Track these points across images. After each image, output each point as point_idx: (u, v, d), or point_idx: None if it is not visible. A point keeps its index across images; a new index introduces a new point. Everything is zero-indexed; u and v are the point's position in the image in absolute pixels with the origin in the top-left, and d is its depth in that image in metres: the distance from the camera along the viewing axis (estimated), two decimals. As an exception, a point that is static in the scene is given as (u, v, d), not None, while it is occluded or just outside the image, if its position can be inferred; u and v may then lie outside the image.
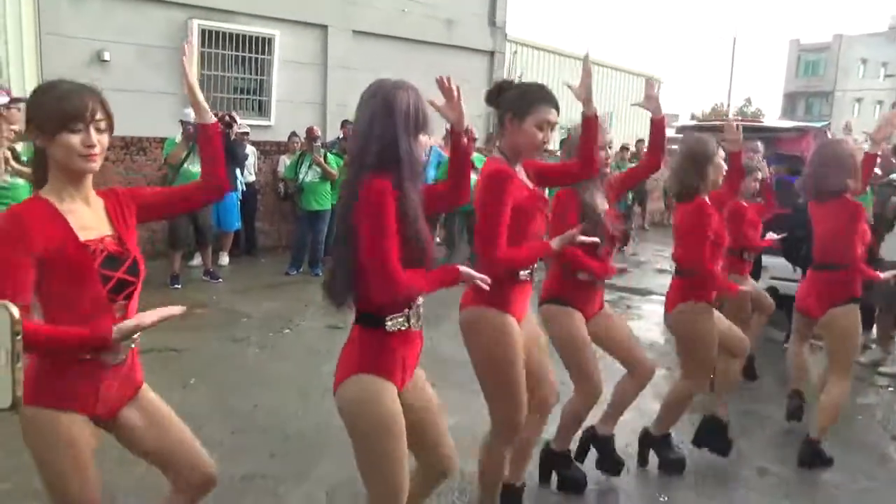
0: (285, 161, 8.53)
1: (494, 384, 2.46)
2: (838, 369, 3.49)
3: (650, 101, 2.98)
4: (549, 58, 15.58)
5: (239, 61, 9.26)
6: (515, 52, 13.98)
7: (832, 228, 3.42)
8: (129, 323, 1.67)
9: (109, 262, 1.75)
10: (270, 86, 9.55)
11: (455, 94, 2.02)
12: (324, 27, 10.27)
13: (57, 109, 1.67)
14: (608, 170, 3.13)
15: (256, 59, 9.39)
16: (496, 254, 2.29)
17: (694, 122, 9.28)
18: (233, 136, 7.63)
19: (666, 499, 3.17)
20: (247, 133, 8.16)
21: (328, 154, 7.79)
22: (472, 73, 12.25)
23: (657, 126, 3.03)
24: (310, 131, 7.96)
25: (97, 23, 7.96)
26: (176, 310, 1.70)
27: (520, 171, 2.47)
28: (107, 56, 7.97)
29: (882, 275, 3.59)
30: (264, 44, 9.41)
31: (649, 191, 13.52)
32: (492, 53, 12.73)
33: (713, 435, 3.57)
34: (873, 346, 5.33)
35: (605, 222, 2.89)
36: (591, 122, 2.57)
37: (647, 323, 6.51)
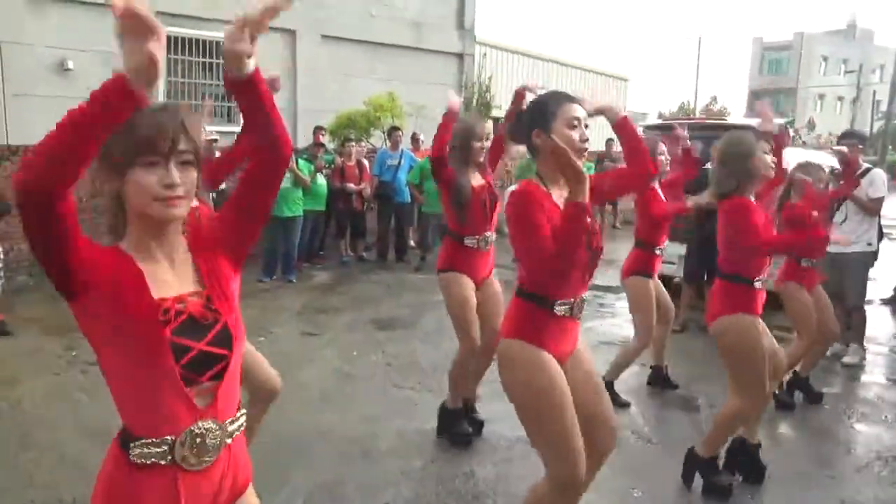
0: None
1: (537, 432, 2.20)
2: (638, 330, 4.22)
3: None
4: (519, 59, 15.69)
5: (206, 67, 9.19)
6: (485, 54, 14.06)
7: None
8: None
9: (188, 328, 1.31)
10: (239, 92, 9.49)
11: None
12: (292, 32, 10.23)
13: (127, 140, 1.25)
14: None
15: (222, 64, 9.32)
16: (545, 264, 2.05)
17: (660, 121, 9.41)
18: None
19: (640, 494, 3.22)
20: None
21: (299, 160, 7.75)
22: (441, 76, 12.29)
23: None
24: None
25: (59, 30, 7.83)
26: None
27: (563, 192, 2.14)
28: (70, 64, 7.85)
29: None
30: (232, 49, 9.34)
31: (620, 190, 13.66)
32: (461, 56, 12.78)
33: (743, 459, 3.36)
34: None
35: (472, 196, 3.40)
36: (622, 125, 2.34)
37: (620, 320, 6.58)
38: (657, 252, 4.26)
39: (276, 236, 7.71)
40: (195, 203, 2.49)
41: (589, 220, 2.13)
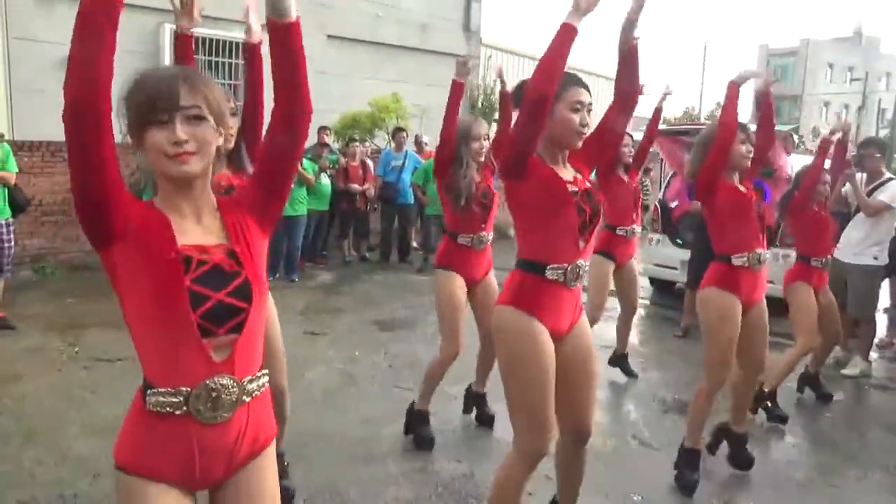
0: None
1: (512, 395, 2.24)
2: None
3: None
4: (525, 62, 15.69)
5: (213, 66, 9.20)
6: (490, 56, 14.06)
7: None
8: None
9: (209, 278, 1.33)
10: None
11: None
12: (296, 31, 10.22)
13: (135, 101, 1.33)
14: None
15: (230, 63, 9.33)
16: None
17: (666, 126, 9.39)
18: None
19: (640, 498, 3.21)
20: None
21: (304, 159, 7.77)
22: (446, 78, 12.25)
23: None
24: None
25: (67, 27, 7.76)
26: None
27: (559, 167, 2.26)
28: (77, 61, 7.87)
29: None
30: (238, 48, 9.35)
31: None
32: (466, 58, 12.77)
33: (732, 449, 3.48)
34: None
35: (473, 193, 3.39)
36: (634, 45, 2.29)
37: (623, 325, 6.57)
38: (619, 233, 4.58)
39: (279, 235, 7.72)
40: (227, 172, 2.53)
41: (582, 185, 2.24)
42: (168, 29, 8.46)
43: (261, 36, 2.69)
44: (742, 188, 3.19)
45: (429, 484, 3.22)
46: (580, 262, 2.22)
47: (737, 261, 3.13)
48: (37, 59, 7.70)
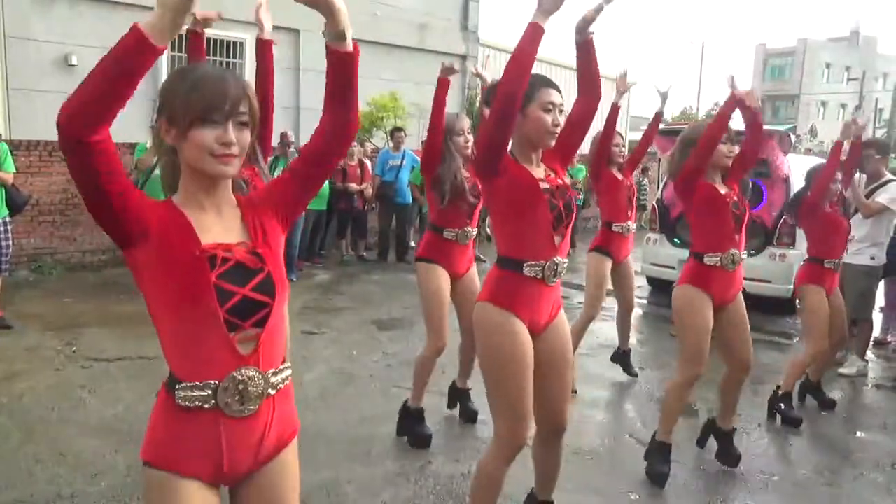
0: (258, 166, 8.46)
1: (491, 389, 2.30)
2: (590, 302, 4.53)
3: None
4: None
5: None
6: (488, 55, 14.06)
7: None
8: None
9: (233, 274, 1.37)
10: (242, 90, 9.49)
11: None
12: (296, 31, 10.24)
13: (191, 97, 1.32)
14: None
15: (228, 63, 9.33)
16: None
17: (663, 126, 9.40)
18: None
19: (637, 497, 3.22)
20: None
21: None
22: (445, 78, 12.27)
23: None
24: (283, 136, 7.92)
25: (64, 26, 7.84)
26: None
27: (533, 166, 2.30)
28: (74, 60, 7.86)
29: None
30: (236, 48, 9.36)
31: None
32: (464, 57, 12.79)
33: (721, 447, 3.52)
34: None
35: (465, 189, 3.38)
36: (589, 45, 2.34)
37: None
38: (615, 229, 4.53)
39: (277, 235, 7.72)
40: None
41: (554, 182, 2.28)
42: (166, 28, 8.47)
43: (271, 35, 2.82)
44: (722, 188, 3.23)
45: (427, 483, 3.23)
46: (557, 258, 2.27)
47: (709, 260, 3.20)
48: (33, 59, 7.69)
